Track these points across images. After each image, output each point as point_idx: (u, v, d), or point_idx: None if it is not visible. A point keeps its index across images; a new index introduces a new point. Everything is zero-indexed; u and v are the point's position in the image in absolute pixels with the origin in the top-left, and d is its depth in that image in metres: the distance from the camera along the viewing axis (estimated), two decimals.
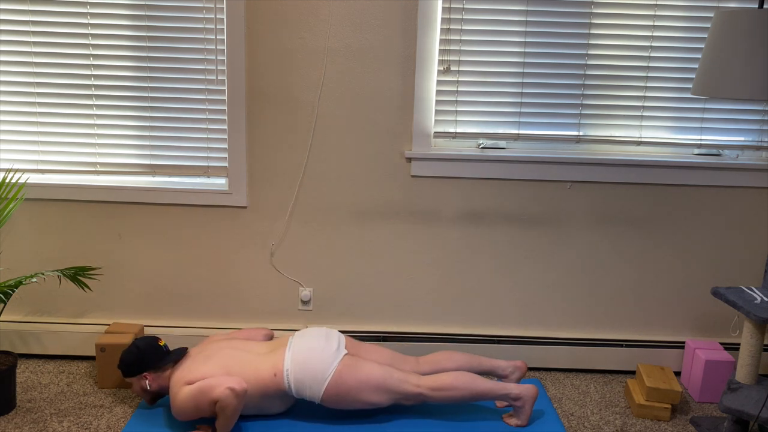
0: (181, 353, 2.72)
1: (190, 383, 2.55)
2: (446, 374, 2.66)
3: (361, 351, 2.74)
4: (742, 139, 3.11)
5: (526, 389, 2.67)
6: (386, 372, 2.60)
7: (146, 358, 2.67)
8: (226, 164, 3.09)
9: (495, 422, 2.74)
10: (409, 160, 3.06)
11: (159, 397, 2.75)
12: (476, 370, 2.80)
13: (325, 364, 2.57)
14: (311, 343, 2.64)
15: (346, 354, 2.64)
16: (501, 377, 2.83)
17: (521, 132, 3.08)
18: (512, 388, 2.66)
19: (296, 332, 2.77)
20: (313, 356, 2.59)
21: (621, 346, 3.25)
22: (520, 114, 3.06)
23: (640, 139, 3.10)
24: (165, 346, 2.73)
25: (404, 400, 2.63)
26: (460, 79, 3.01)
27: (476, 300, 3.23)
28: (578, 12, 2.94)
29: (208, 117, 3.05)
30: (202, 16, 2.94)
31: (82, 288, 2.86)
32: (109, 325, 3.18)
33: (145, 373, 2.67)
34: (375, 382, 2.57)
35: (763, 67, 2.15)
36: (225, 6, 2.90)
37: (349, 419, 2.73)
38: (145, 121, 3.05)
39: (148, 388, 2.67)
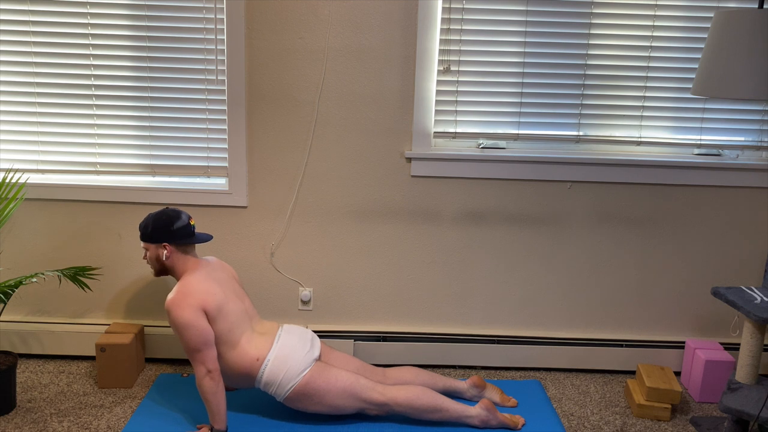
0: (206, 239, 2.67)
1: (204, 304, 2.50)
2: (412, 387, 2.67)
3: (332, 358, 2.75)
4: (742, 139, 3.11)
5: (483, 409, 2.67)
6: (354, 378, 2.62)
7: (176, 229, 2.59)
8: (226, 164, 3.09)
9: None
10: (409, 160, 3.06)
11: (165, 274, 2.68)
12: (439, 389, 2.82)
13: (301, 367, 2.58)
14: (297, 345, 2.64)
15: (317, 360, 2.66)
16: (464, 398, 2.86)
17: (521, 132, 3.08)
18: (472, 412, 2.67)
19: (285, 325, 2.77)
20: (295, 357, 2.60)
21: (621, 346, 3.25)
22: (519, 114, 3.06)
23: (640, 139, 3.10)
24: (194, 226, 2.66)
25: (369, 409, 2.64)
26: (460, 79, 3.01)
27: (476, 300, 3.23)
28: (578, 12, 2.94)
29: (208, 117, 3.05)
30: (202, 16, 2.94)
31: (82, 288, 2.86)
32: (109, 325, 3.18)
33: (165, 243, 2.60)
34: (342, 387, 2.59)
35: (763, 67, 2.15)
36: (225, 6, 2.90)
37: (343, 423, 2.73)
38: (145, 121, 3.05)
39: (164, 258, 2.60)
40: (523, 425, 2.73)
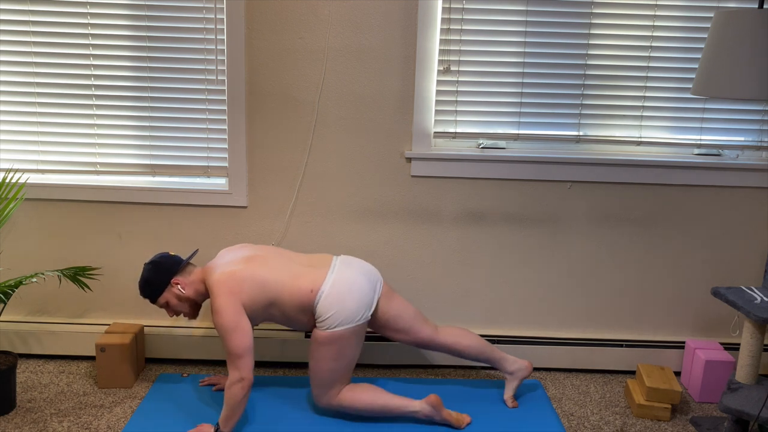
0: (193, 254, 2.77)
1: (241, 294, 2.52)
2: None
3: (393, 302, 2.77)
4: (742, 139, 3.11)
5: (427, 404, 2.68)
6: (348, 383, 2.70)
7: (166, 265, 2.63)
8: (226, 164, 3.10)
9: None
10: (409, 160, 3.06)
11: (198, 307, 2.70)
12: (487, 354, 2.87)
13: (356, 314, 2.58)
14: (356, 281, 2.62)
15: (374, 307, 2.67)
16: (506, 372, 2.90)
17: (521, 132, 3.08)
18: (416, 406, 2.67)
19: (341, 255, 2.77)
20: (353, 298, 2.58)
21: (621, 346, 3.25)
22: (519, 114, 3.06)
23: (640, 139, 3.10)
24: (176, 255, 2.71)
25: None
26: (460, 79, 3.01)
27: (476, 300, 3.23)
28: (578, 12, 2.94)
29: (208, 117, 3.05)
30: (202, 16, 2.94)
31: (82, 288, 2.86)
32: (109, 325, 3.18)
33: (173, 279, 2.63)
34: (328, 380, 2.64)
35: (763, 67, 2.15)
36: (225, 6, 2.90)
37: (352, 421, 2.73)
38: (145, 121, 3.05)
39: (183, 292, 2.62)
40: (468, 424, 2.72)
